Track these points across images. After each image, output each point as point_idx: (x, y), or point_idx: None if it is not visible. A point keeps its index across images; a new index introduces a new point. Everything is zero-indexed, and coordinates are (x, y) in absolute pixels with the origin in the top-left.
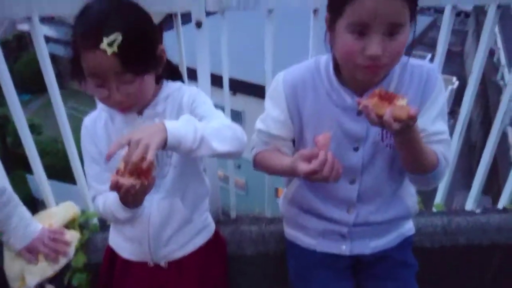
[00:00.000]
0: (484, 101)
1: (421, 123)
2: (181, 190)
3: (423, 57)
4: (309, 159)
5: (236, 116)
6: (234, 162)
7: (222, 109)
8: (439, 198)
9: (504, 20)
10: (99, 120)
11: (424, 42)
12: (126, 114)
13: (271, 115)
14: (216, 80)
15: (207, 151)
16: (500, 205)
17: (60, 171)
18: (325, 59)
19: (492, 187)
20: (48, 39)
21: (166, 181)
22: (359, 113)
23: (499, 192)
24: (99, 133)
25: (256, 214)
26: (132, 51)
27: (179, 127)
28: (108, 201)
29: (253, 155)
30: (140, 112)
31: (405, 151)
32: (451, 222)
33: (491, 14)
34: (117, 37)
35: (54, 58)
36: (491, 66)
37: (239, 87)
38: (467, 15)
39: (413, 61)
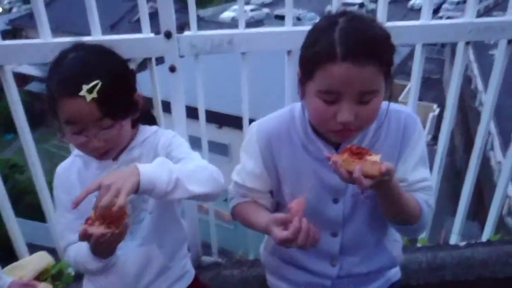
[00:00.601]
0: (465, 127)
1: (401, 171)
2: (158, 236)
3: (403, 86)
4: (283, 223)
5: (222, 149)
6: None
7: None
8: (423, 233)
9: (479, 48)
10: (73, 166)
11: (404, 71)
12: (101, 161)
13: (246, 168)
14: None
15: (183, 194)
16: (484, 238)
17: (42, 211)
18: (299, 109)
19: (479, 213)
20: (32, 78)
21: (142, 227)
22: None
23: (486, 218)
24: (72, 180)
25: (239, 255)
26: (111, 97)
27: (153, 170)
28: (80, 252)
29: (231, 207)
30: (115, 158)
31: (385, 204)
32: (435, 257)
33: (460, 50)
34: (96, 83)
35: (38, 96)
36: (470, 93)
37: (224, 120)
38: (443, 44)
39: (392, 106)
